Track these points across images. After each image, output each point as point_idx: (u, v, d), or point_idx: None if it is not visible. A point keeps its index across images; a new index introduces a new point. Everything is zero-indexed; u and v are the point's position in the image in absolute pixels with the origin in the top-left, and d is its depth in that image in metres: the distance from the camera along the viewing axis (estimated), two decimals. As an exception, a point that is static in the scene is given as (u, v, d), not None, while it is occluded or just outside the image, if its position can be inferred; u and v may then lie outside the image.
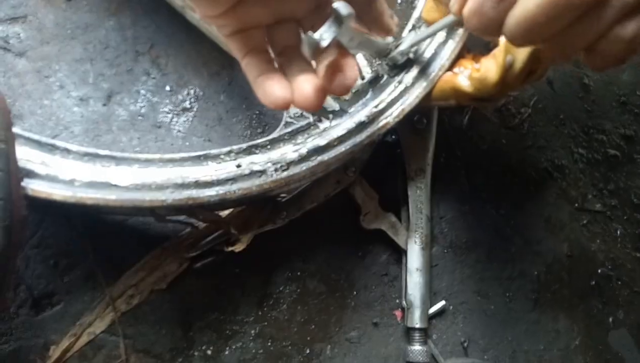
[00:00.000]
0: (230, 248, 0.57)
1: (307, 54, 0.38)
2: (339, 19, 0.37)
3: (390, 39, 0.54)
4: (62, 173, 0.47)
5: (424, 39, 0.57)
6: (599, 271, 0.77)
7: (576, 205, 0.78)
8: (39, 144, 0.49)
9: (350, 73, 0.40)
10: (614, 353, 0.74)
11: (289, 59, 0.41)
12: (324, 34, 0.37)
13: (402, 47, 0.55)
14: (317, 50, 0.37)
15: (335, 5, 0.36)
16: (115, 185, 0.48)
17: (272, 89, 0.39)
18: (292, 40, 0.42)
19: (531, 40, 0.33)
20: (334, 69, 0.39)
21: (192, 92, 0.65)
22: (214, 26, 0.42)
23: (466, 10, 0.34)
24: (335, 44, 0.39)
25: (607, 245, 0.79)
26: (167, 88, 0.64)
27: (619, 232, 0.80)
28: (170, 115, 0.63)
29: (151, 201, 0.48)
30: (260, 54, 0.41)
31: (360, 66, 0.69)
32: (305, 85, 0.39)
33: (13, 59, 0.60)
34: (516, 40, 0.33)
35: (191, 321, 0.59)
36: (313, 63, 0.42)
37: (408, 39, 0.54)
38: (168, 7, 0.63)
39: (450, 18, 0.40)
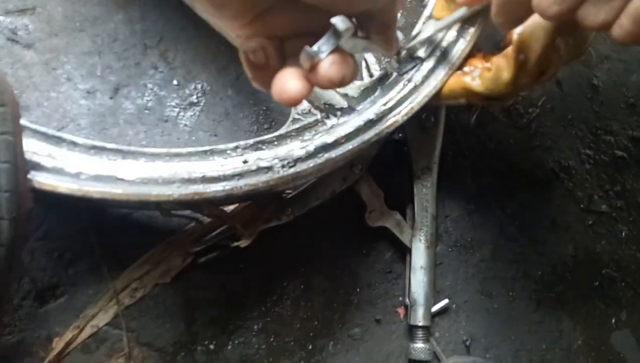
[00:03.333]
0: (235, 244, 0.57)
1: (304, 66, 0.38)
2: (337, 33, 0.37)
3: (400, 37, 0.54)
4: (69, 166, 0.47)
5: (442, 29, 0.57)
6: (603, 272, 0.77)
7: (582, 206, 0.78)
8: (45, 136, 0.49)
9: (340, 69, 0.39)
10: (616, 354, 0.74)
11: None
12: (322, 47, 0.37)
13: (423, 35, 0.55)
14: (315, 63, 0.37)
15: (333, 20, 0.36)
16: (121, 179, 0.48)
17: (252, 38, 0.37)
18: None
19: (564, 5, 0.33)
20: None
21: (199, 86, 0.65)
22: (231, 34, 0.42)
23: None
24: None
25: (612, 247, 0.78)
26: (175, 82, 0.64)
27: (624, 234, 0.79)
28: (177, 110, 0.63)
29: (157, 196, 0.48)
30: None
31: (369, 63, 0.68)
32: (287, 81, 0.37)
33: (21, 51, 0.59)
34: (550, 13, 0.33)
35: (194, 315, 0.60)
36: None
37: (428, 28, 0.54)
38: (177, 1, 0.62)
39: (462, 11, 0.40)
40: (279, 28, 0.39)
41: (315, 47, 0.37)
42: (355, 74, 0.41)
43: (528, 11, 0.36)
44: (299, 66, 0.39)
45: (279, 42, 0.40)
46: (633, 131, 0.83)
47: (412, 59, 0.59)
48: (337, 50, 0.39)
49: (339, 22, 0.37)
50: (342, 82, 0.38)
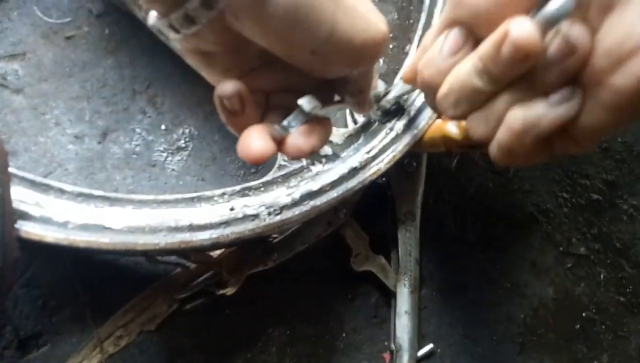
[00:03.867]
0: (221, 291, 0.57)
1: (275, 140, 0.39)
2: (304, 113, 0.38)
3: (381, 85, 0.55)
4: (56, 215, 0.47)
5: (410, 91, 0.59)
6: (584, 315, 0.78)
7: (561, 249, 0.80)
8: (32, 184, 0.49)
9: (307, 140, 0.38)
10: (599, 397, 0.75)
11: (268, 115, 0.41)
12: (292, 122, 0.39)
13: (391, 95, 0.57)
14: (285, 137, 0.38)
15: (300, 101, 0.38)
16: (108, 228, 0.48)
17: (228, 82, 0.36)
18: (289, 104, 0.42)
19: (457, 111, 0.34)
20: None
21: (187, 131, 0.65)
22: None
23: (419, 65, 0.36)
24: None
25: (591, 289, 0.80)
26: (163, 127, 0.65)
27: (602, 276, 0.81)
28: (164, 154, 0.64)
29: (144, 245, 0.49)
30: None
31: (353, 111, 0.70)
32: (251, 140, 0.36)
33: (10, 96, 0.60)
34: (444, 108, 0.35)
35: (179, 363, 0.59)
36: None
37: (396, 88, 0.56)
38: (166, 47, 0.63)
39: None
40: (265, 84, 0.40)
41: (285, 122, 0.39)
42: (326, 141, 0.42)
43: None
44: (277, 121, 0.40)
45: (264, 96, 0.41)
46: (607, 175, 0.86)
47: (392, 108, 0.61)
48: (307, 121, 0.40)
49: (305, 103, 0.38)
50: (313, 151, 0.39)
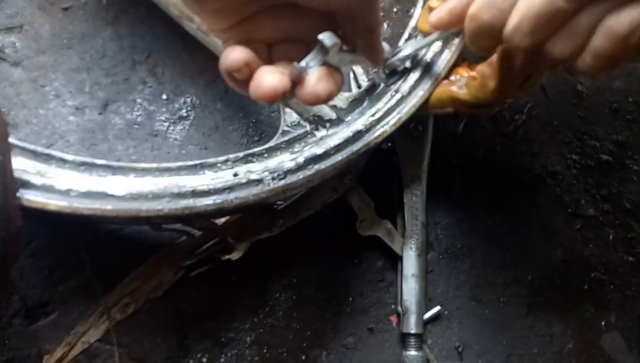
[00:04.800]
0: (226, 257, 0.57)
1: (294, 81, 0.38)
2: (324, 49, 0.37)
3: (386, 48, 0.54)
4: (58, 183, 0.47)
5: (422, 47, 0.58)
6: (592, 275, 0.78)
7: (570, 210, 0.79)
8: (34, 154, 0.49)
9: (326, 84, 0.38)
10: (607, 356, 0.75)
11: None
12: (310, 62, 0.38)
13: (402, 53, 0.56)
14: (303, 78, 0.38)
15: (320, 36, 0.37)
16: (111, 195, 0.48)
17: (233, 53, 0.37)
18: (293, 56, 0.41)
19: (534, 39, 0.35)
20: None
21: (188, 100, 0.65)
22: (218, 37, 0.42)
23: (471, 10, 0.36)
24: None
25: (600, 250, 0.79)
26: (164, 97, 0.64)
27: (611, 237, 0.80)
28: (166, 124, 0.63)
29: (148, 211, 0.49)
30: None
31: (357, 74, 0.69)
32: (264, 77, 0.37)
33: (9, 69, 0.60)
34: (518, 40, 0.36)
35: (187, 329, 0.60)
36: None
37: (408, 46, 0.55)
38: (165, 17, 0.63)
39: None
40: (266, 33, 0.39)
41: (303, 63, 0.38)
42: (341, 88, 0.41)
43: (499, 42, 0.37)
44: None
45: (266, 48, 0.40)
46: (617, 135, 0.84)
47: (401, 68, 0.60)
48: (324, 65, 0.39)
49: (325, 38, 0.37)
50: (329, 97, 0.39)
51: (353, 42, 0.42)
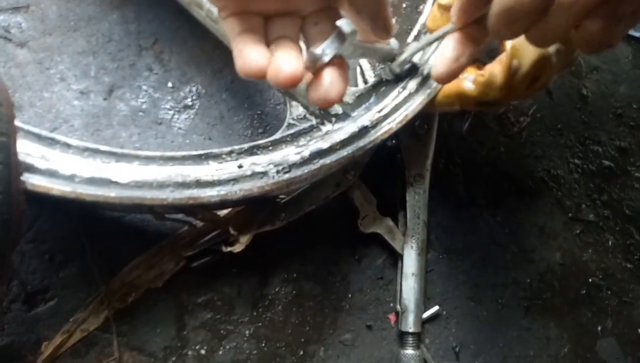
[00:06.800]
0: (228, 249, 0.56)
1: (308, 68, 0.38)
2: (342, 36, 0.37)
3: (394, 44, 0.54)
4: (62, 168, 0.47)
5: (425, 47, 0.57)
6: (590, 280, 0.78)
7: (570, 215, 0.79)
8: (38, 138, 0.48)
9: (336, 87, 0.39)
10: (602, 361, 0.75)
11: (279, 45, 0.40)
12: (326, 50, 0.37)
13: (403, 56, 0.55)
14: (318, 65, 0.38)
15: (339, 23, 0.36)
16: (115, 182, 0.48)
17: (249, 52, 0.38)
18: (290, 31, 0.41)
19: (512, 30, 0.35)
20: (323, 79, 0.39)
21: (194, 89, 0.64)
22: (215, 5, 0.41)
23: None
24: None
25: (598, 255, 0.79)
26: (169, 84, 0.63)
27: (610, 243, 0.81)
28: (171, 112, 0.63)
29: (152, 199, 0.48)
30: (251, 29, 0.40)
31: (364, 69, 0.69)
32: (284, 61, 0.37)
33: (14, 49, 0.59)
34: (498, 32, 0.35)
35: (186, 320, 0.59)
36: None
37: (409, 48, 0.54)
38: (173, 2, 0.62)
39: (450, 26, 0.40)
40: (263, 4, 0.39)
41: (319, 50, 0.38)
42: (347, 86, 0.41)
43: (532, 24, 0.36)
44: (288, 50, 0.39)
45: (263, 22, 0.40)
46: (620, 141, 0.85)
47: (403, 71, 0.59)
48: (337, 62, 0.39)
49: (344, 24, 0.37)
50: (339, 100, 0.39)
51: (358, 16, 0.42)
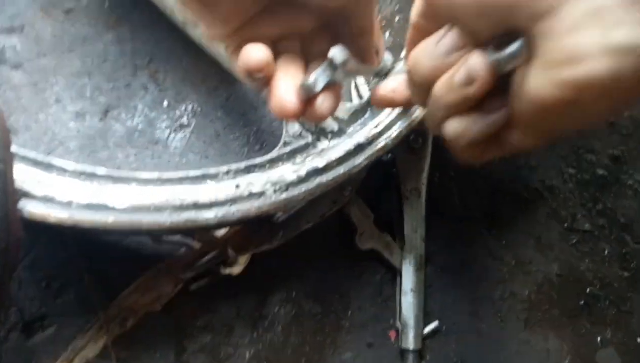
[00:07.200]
0: (227, 271, 0.56)
1: (300, 98, 0.38)
2: (333, 66, 0.37)
3: (387, 58, 0.54)
4: (59, 194, 0.47)
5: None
6: (588, 290, 0.78)
7: (566, 225, 0.79)
8: (34, 162, 0.48)
9: (328, 105, 0.39)
10: (602, 372, 0.76)
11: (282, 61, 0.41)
12: (318, 78, 0.37)
13: (397, 71, 0.55)
14: (311, 95, 0.38)
15: (331, 54, 0.36)
16: (112, 208, 0.48)
17: (250, 51, 0.38)
18: (292, 50, 0.41)
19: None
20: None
21: (189, 107, 0.64)
22: (220, 45, 0.42)
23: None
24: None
25: (595, 265, 0.80)
26: (165, 103, 0.63)
27: (606, 252, 0.81)
28: (167, 131, 0.63)
29: (149, 224, 0.48)
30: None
31: (358, 84, 0.69)
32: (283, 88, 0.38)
33: (9, 71, 0.58)
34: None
35: (185, 344, 0.59)
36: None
37: (404, 63, 0.54)
38: (168, 22, 0.62)
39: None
40: (268, 31, 0.39)
41: (311, 80, 0.38)
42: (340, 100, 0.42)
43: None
44: (291, 71, 0.40)
45: (271, 44, 0.40)
46: (613, 150, 0.85)
47: None
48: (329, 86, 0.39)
49: (336, 54, 0.37)
50: (331, 114, 0.40)
51: (345, 41, 0.42)
